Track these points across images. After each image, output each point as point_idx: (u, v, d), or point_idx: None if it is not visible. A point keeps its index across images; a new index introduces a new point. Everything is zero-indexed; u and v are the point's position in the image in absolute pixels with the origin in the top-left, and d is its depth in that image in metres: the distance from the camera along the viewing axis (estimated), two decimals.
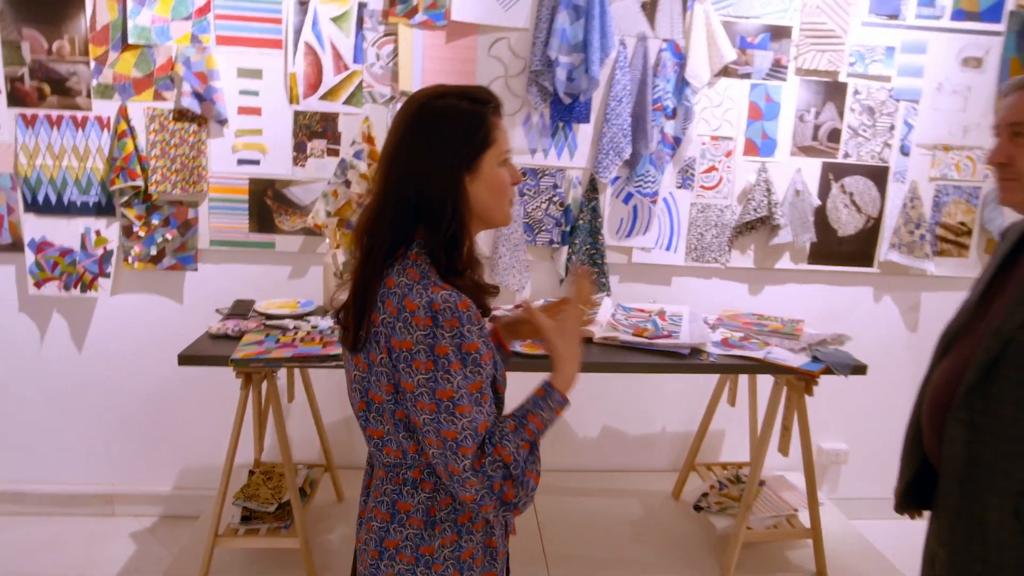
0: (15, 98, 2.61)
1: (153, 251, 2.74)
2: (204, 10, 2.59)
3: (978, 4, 2.78)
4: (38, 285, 2.72)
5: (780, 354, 2.34)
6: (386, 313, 1.13)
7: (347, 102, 2.71)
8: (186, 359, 2.12)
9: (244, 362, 2.06)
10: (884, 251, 2.96)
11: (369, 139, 2.72)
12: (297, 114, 2.70)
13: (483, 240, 2.84)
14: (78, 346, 2.84)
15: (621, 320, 2.52)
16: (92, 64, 2.60)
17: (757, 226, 2.90)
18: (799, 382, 2.34)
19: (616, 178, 2.85)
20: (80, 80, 2.61)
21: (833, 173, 2.91)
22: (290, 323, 2.42)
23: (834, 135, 2.87)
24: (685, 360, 2.26)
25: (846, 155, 2.89)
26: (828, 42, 2.78)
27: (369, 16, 2.65)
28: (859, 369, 2.30)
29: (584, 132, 2.81)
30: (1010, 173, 1.36)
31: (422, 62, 2.69)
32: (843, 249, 2.97)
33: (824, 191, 2.92)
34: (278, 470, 2.57)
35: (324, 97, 2.70)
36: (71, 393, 2.87)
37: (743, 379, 2.79)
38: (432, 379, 1.10)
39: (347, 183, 2.74)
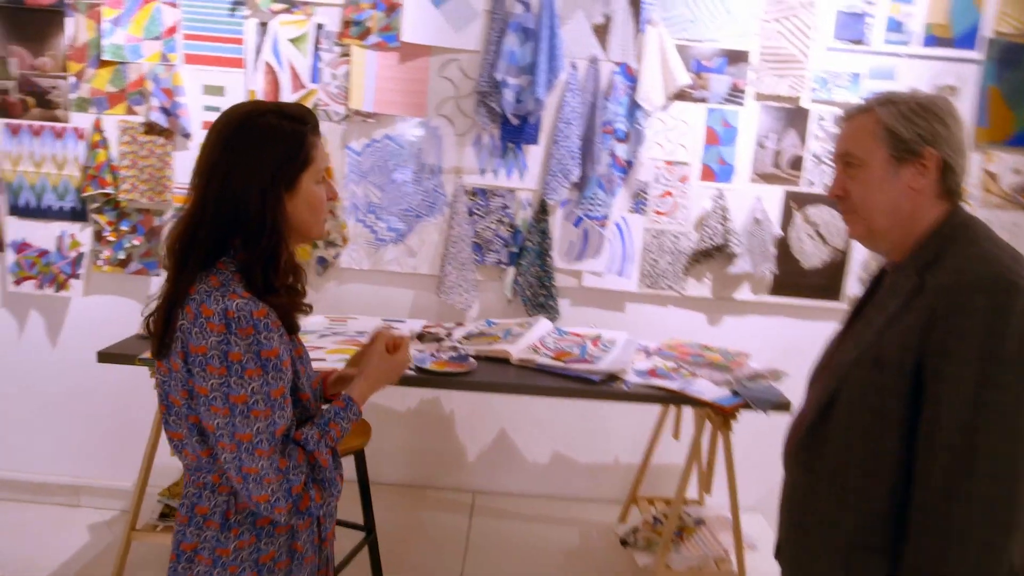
0: (2, 109, 2.83)
1: (122, 255, 2.89)
2: (173, 30, 2.75)
3: (951, 30, 2.63)
4: (17, 283, 2.91)
5: (700, 386, 2.25)
6: (184, 319, 1.15)
7: None
8: (106, 356, 2.23)
9: (148, 361, 2.15)
10: (851, 285, 2.81)
11: None
12: None
13: (430, 257, 2.87)
14: (52, 342, 3.01)
15: (548, 343, 2.48)
16: (71, 79, 2.79)
17: (714, 254, 2.81)
18: (718, 416, 2.24)
19: (566, 200, 2.83)
20: (60, 94, 2.81)
21: (796, 202, 2.79)
22: None
23: (797, 162, 2.76)
24: (594, 387, 2.21)
25: (810, 183, 2.78)
26: (788, 67, 2.69)
27: (325, 37, 2.75)
28: (781, 406, 2.19)
29: (534, 153, 2.81)
30: (848, 206, 1.29)
31: (375, 82, 2.76)
32: (808, 281, 2.84)
33: (786, 220, 2.81)
34: None
35: None
36: (45, 386, 3.04)
37: (688, 412, 2.70)
38: (225, 384, 1.12)
39: None
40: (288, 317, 1.24)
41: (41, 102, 2.82)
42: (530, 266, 2.84)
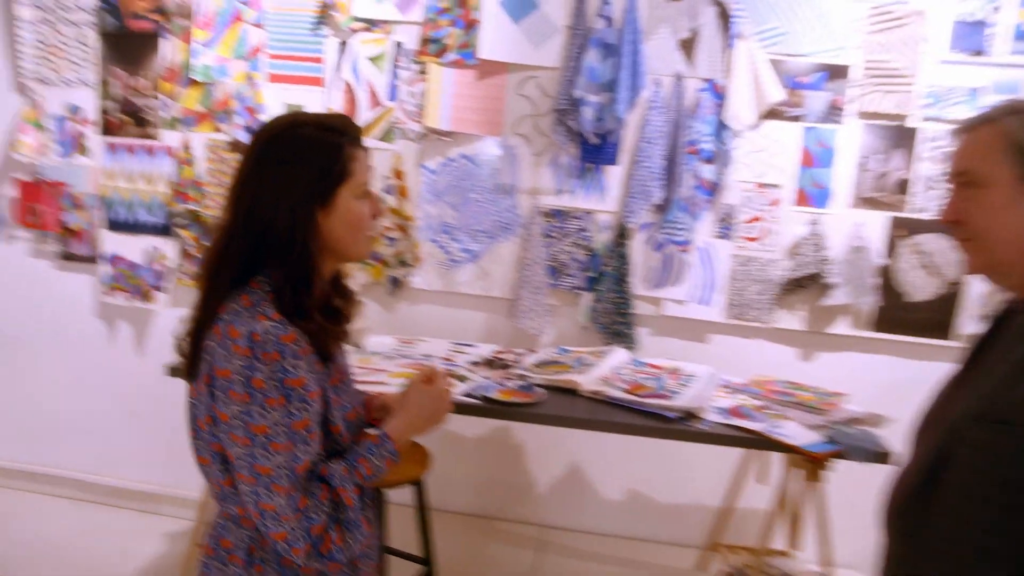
0: (104, 128, 2.96)
1: None
2: (257, 50, 2.80)
3: None
4: (109, 293, 3.03)
5: (788, 429, 2.05)
6: (212, 339, 1.10)
7: (380, 138, 2.78)
8: (174, 371, 2.25)
9: None
10: (966, 323, 2.53)
11: (398, 174, 2.77)
12: None
13: (504, 280, 2.78)
14: (139, 352, 3.11)
15: (623, 375, 2.34)
16: (163, 99, 2.89)
17: (807, 284, 2.60)
18: (808, 463, 2.03)
19: (647, 224, 2.69)
20: (154, 113, 2.91)
21: (902, 229, 2.54)
22: None
23: (903, 186, 2.52)
24: (669, 425, 2.05)
25: (921, 209, 2.52)
26: (895, 82, 2.46)
27: (403, 55, 2.73)
28: (881, 456, 1.96)
29: (614, 174, 2.68)
30: (965, 233, 1.10)
31: (451, 100, 2.71)
32: (915, 316, 2.58)
33: (891, 249, 2.55)
34: None
35: None
36: (132, 394, 3.13)
37: (776, 455, 2.48)
38: (247, 412, 1.06)
39: None
40: (322, 343, 1.16)
41: (137, 121, 2.93)
42: (607, 292, 2.71)
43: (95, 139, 2.96)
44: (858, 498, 2.54)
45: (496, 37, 2.65)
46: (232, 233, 1.15)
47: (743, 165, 2.60)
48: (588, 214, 2.72)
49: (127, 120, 2.93)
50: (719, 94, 2.57)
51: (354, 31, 2.73)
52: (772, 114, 2.55)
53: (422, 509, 2.24)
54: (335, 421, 1.19)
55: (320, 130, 1.16)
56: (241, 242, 1.14)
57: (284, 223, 1.11)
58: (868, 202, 2.55)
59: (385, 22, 2.71)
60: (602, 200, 2.70)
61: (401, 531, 2.36)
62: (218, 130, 2.87)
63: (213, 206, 2.88)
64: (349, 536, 1.11)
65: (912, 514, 1.12)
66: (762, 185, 2.60)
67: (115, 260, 3.02)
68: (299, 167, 1.13)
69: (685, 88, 2.59)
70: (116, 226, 3.01)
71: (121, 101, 2.92)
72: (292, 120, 1.19)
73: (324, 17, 2.74)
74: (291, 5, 2.75)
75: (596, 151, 2.67)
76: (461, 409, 2.07)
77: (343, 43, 2.75)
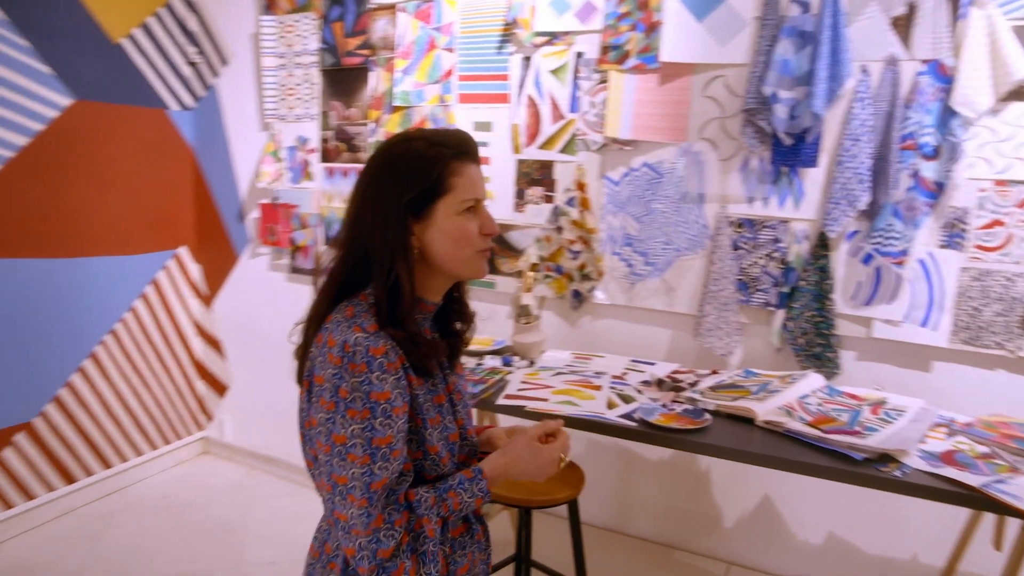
0: (323, 155, 3.30)
1: None
2: (449, 73, 2.93)
3: None
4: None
5: (1020, 487, 1.65)
6: (315, 347, 1.14)
7: (563, 150, 2.76)
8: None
9: None
10: None
11: (580, 186, 2.73)
12: (519, 162, 2.86)
13: (689, 295, 2.61)
14: None
15: (810, 404, 2.06)
16: (371, 125, 3.14)
17: None
18: None
19: (853, 233, 2.35)
20: (363, 139, 3.18)
21: None
22: (464, 358, 2.56)
23: None
24: (855, 468, 1.75)
25: None
26: None
27: (584, 65, 2.68)
28: None
29: (813, 177, 2.38)
30: None
31: (632, 107, 2.61)
32: None
33: None
34: None
35: (542, 146, 2.80)
36: None
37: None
38: (331, 420, 1.08)
39: (559, 229, 2.79)
40: (420, 357, 1.14)
41: (350, 147, 3.22)
42: (804, 310, 2.41)
43: (317, 165, 3.31)
44: None
45: (679, 37, 2.50)
46: (342, 248, 1.19)
47: (977, 160, 2.16)
48: (782, 223, 2.45)
49: (342, 147, 3.24)
50: (944, 77, 2.17)
51: (536, 46, 2.75)
52: (1017, 95, 2.09)
53: (576, 529, 2.17)
54: (432, 441, 1.17)
55: (426, 144, 1.16)
56: (348, 257, 1.17)
57: (379, 235, 1.13)
58: None
59: (566, 33, 2.69)
60: (799, 207, 2.42)
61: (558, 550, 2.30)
62: None
63: None
64: (423, 569, 1.09)
65: None
66: (1004, 183, 2.14)
67: None
68: (394, 180, 1.14)
69: (900, 73, 2.22)
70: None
71: (337, 130, 3.24)
72: (404, 136, 1.20)
73: (508, 35, 2.79)
74: (478, 27, 2.85)
75: (791, 152, 2.39)
76: (617, 432, 1.97)
77: (527, 59, 2.78)
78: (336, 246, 1.20)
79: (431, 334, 1.27)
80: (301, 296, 3.45)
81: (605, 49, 2.63)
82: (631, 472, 2.88)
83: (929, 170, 2.21)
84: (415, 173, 1.14)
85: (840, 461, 1.77)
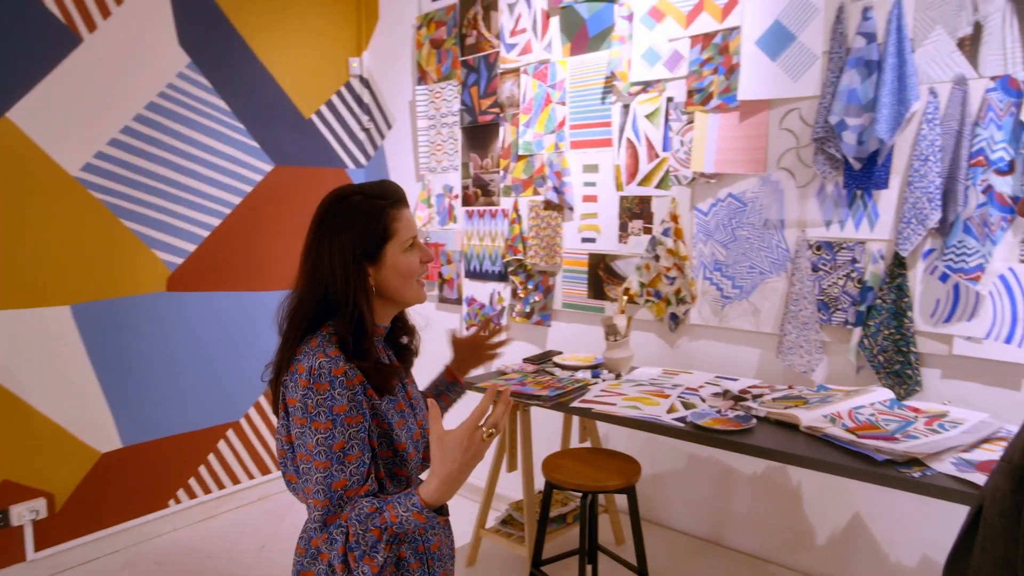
0: (464, 200, 3.84)
1: (528, 309, 3.57)
2: (562, 123, 3.34)
3: None
4: (468, 327, 3.85)
5: None
6: (287, 374, 1.30)
7: (658, 186, 3.04)
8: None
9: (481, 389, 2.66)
10: None
11: (674, 217, 2.98)
12: (621, 199, 3.17)
13: (773, 316, 2.74)
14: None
15: (861, 414, 2.12)
16: (501, 172, 3.63)
17: None
18: None
19: (929, 251, 2.37)
20: (495, 185, 3.67)
21: None
22: (559, 371, 2.89)
23: None
24: (872, 467, 1.82)
25: None
26: None
27: (674, 108, 2.96)
28: None
29: (886, 199, 2.45)
30: None
31: (715, 144, 2.83)
32: None
33: None
34: (559, 497, 3.01)
35: (640, 183, 3.09)
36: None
37: None
38: (303, 433, 1.25)
39: (656, 257, 3.05)
40: (379, 379, 1.32)
41: (484, 192, 3.73)
42: (881, 328, 2.45)
43: (460, 209, 3.86)
44: None
45: (755, 77, 2.70)
46: (302, 293, 1.35)
47: None
48: (859, 244, 2.52)
49: (478, 192, 3.76)
50: (1015, 91, 2.17)
51: (632, 94, 3.07)
52: None
53: (635, 520, 2.38)
54: (400, 440, 1.35)
55: (365, 198, 1.35)
56: (308, 298, 1.33)
57: (340, 281, 1.30)
58: None
59: (657, 81, 3.00)
60: (873, 228, 2.48)
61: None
62: (536, 193, 3.49)
63: (533, 255, 3.49)
64: (358, 568, 1.20)
65: None
66: None
67: (470, 301, 3.85)
68: (348, 232, 1.32)
69: (968, 92, 2.26)
70: (471, 275, 3.84)
71: (474, 178, 3.77)
72: (341, 192, 1.38)
73: (609, 87, 3.15)
74: (585, 82, 3.24)
75: (863, 176, 2.48)
76: (667, 431, 2.19)
77: (625, 106, 3.11)
78: (298, 293, 1.36)
79: (385, 352, 1.46)
80: (449, 321, 3.98)
81: (691, 93, 2.89)
82: (727, 486, 2.99)
83: (1005, 185, 2.21)
84: (365, 226, 1.32)
85: (860, 461, 1.86)
